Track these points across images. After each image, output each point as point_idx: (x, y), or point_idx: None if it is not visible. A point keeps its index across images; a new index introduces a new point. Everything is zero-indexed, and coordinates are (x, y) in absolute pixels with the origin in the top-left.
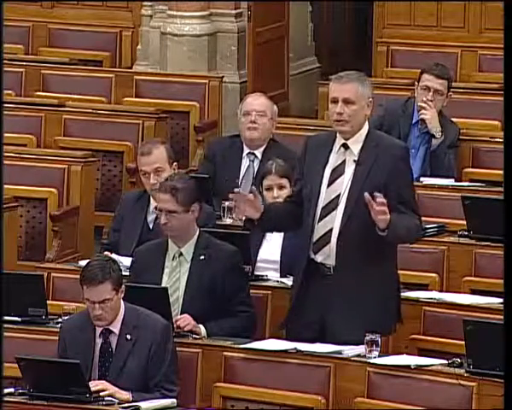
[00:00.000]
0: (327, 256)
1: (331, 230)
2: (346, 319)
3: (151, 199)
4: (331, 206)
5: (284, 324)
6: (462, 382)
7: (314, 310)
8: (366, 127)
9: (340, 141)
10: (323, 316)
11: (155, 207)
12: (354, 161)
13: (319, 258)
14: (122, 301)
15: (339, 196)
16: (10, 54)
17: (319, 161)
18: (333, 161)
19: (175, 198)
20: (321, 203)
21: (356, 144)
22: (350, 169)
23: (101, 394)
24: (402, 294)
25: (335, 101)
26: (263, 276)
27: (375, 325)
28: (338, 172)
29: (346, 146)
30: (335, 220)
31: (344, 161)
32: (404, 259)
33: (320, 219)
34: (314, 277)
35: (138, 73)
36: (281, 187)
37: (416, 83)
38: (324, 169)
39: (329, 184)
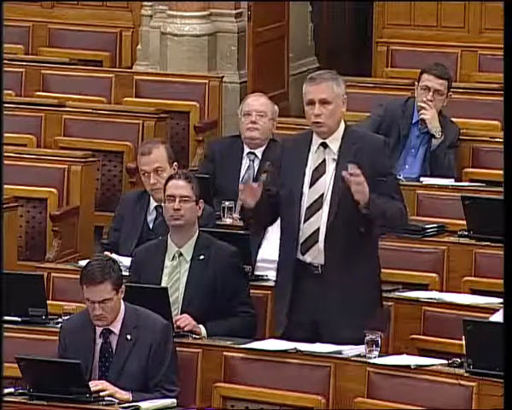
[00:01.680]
0: (315, 256)
1: (318, 229)
2: (340, 316)
3: (151, 199)
4: (316, 206)
5: (280, 326)
6: (462, 382)
7: (306, 310)
8: (343, 124)
9: (317, 140)
10: (316, 315)
11: (155, 207)
12: (334, 159)
13: (308, 258)
14: (122, 302)
15: (322, 195)
16: (10, 54)
17: (298, 162)
18: (312, 161)
19: (190, 185)
20: (305, 204)
21: (334, 142)
22: (331, 168)
23: (101, 394)
24: (402, 294)
25: (312, 103)
26: (263, 276)
27: (366, 319)
28: (319, 171)
29: (324, 145)
30: (321, 220)
31: (324, 160)
32: (404, 259)
33: (305, 220)
34: (304, 277)
35: (138, 73)
36: None
37: (416, 83)
38: (305, 170)
39: (312, 185)
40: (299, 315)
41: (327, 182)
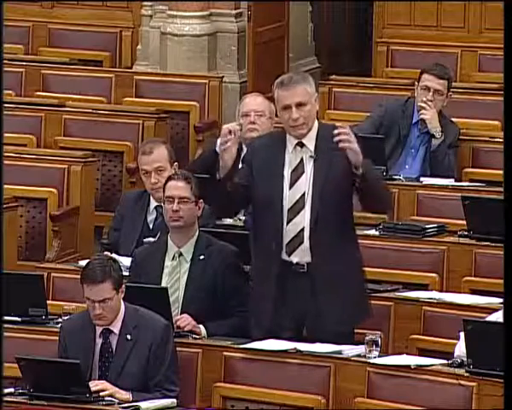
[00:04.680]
0: (302, 256)
1: (302, 230)
2: (328, 310)
3: (151, 199)
4: (298, 206)
5: (262, 329)
6: (462, 382)
7: (292, 309)
8: (316, 123)
9: (293, 141)
10: (303, 313)
11: (155, 207)
12: (311, 157)
13: (294, 259)
14: (122, 302)
15: (303, 195)
16: (10, 54)
17: (274, 163)
18: (290, 160)
19: (190, 185)
20: (286, 205)
21: (310, 141)
22: (309, 167)
23: (101, 394)
24: (402, 294)
25: (288, 107)
26: None
27: (356, 315)
28: (298, 171)
29: (301, 144)
30: (305, 220)
31: (302, 160)
32: (404, 259)
33: (288, 222)
34: (289, 277)
35: (138, 73)
36: None
37: (416, 83)
38: (283, 171)
39: (292, 185)
40: (284, 315)
41: (306, 181)
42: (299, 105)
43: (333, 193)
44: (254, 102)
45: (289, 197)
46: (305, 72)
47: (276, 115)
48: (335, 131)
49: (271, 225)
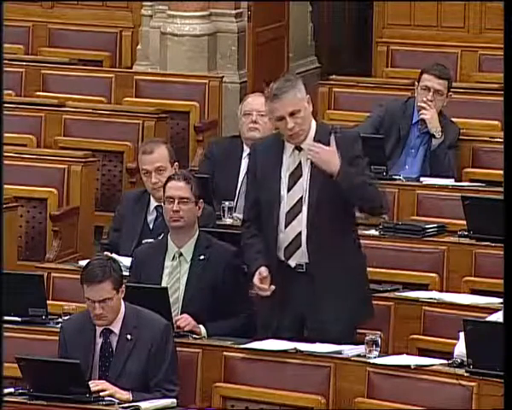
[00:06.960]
0: (299, 258)
1: (300, 233)
2: (328, 311)
3: (151, 199)
4: (296, 210)
5: (268, 330)
6: (462, 382)
7: (293, 310)
8: (313, 123)
9: (291, 144)
10: (303, 314)
11: (155, 207)
12: (308, 159)
13: (293, 263)
14: (122, 302)
15: (301, 198)
16: (10, 54)
17: (273, 166)
18: (288, 164)
19: (189, 186)
20: (284, 208)
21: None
22: (307, 170)
23: (101, 394)
24: (402, 294)
25: (282, 118)
26: None
27: (356, 314)
28: (296, 175)
29: (299, 148)
30: (302, 223)
31: (300, 163)
32: (404, 259)
33: (287, 225)
34: (288, 278)
35: (138, 73)
36: None
37: (416, 83)
38: (280, 174)
39: (290, 189)
40: (286, 316)
41: (304, 185)
42: (292, 114)
43: (330, 195)
44: (257, 101)
45: (287, 201)
46: (305, 72)
47: None
48: (308, 149)
49: (272, 228)
